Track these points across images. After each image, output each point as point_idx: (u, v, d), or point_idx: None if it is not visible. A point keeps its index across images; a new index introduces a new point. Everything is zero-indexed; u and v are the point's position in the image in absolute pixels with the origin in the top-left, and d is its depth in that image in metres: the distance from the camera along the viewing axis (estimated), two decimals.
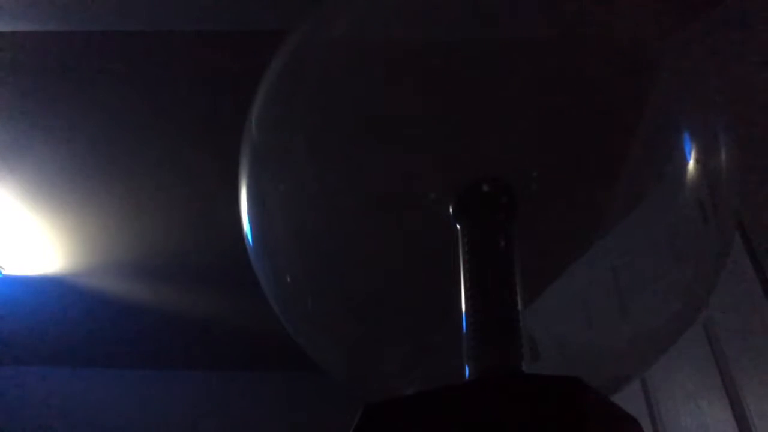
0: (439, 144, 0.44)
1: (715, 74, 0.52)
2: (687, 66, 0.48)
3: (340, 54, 0.48)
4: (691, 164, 0.44)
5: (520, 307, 0.36)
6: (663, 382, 1.06)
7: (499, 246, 0.38)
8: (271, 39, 0.49)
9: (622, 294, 0.45)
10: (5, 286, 2.05)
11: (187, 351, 2.39)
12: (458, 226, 0.39)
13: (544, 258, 0.44)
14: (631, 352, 0.45)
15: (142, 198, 1.75)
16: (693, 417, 0.98)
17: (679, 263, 0.45)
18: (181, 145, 1.60)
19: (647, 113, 0.44)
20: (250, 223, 0.49)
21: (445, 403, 0.30)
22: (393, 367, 0.49)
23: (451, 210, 0.40)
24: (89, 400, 2.40)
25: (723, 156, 0.45)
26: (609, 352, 0.45)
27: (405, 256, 0.46)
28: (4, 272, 2.01)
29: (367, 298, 0.48)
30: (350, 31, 0.49)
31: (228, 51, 1.37)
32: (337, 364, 0.52)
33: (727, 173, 0.45)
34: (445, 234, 0.39)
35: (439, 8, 0.46)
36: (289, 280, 0.50)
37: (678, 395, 1.02)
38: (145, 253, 1.95)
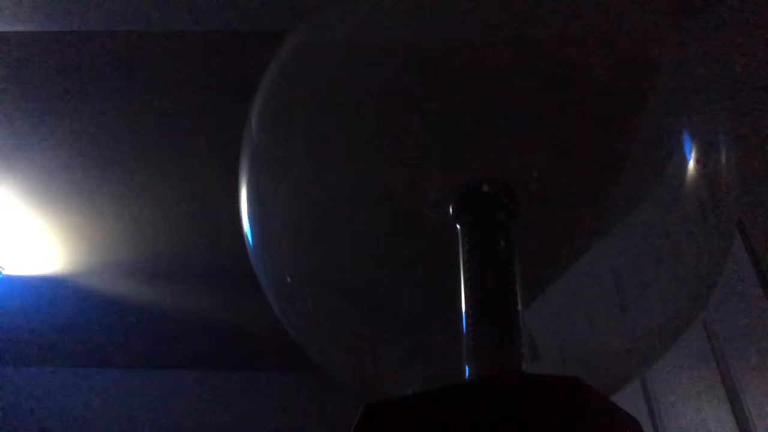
0: (439, 144, 0.44)
1: (715, 74, 0.52)
2: (687, 66, 0.48)
3: (339, 54, 0.48)
4: (691, 164, 0.44)
5: (520, 307, 0.36)
6: (663, 382, 1.06)
7: (499, 246, 0.38)
8: (271, 39, 0.50)
9: (622, 294, 0.45)
10: (5, 286, 2.05)
11: (187, 351, 2.39)
12: (458, 226, 0.39)
13: (545, 258, 0.44)
14: (631, 352, 0.45)
15: (142, 198, 1.76)
16: (693, 417, 0.98)
17: (679, 263, 0.45)
18: (181, 146, 1.60)
19: (647, 113, 0.44)
20: (250, 223, 0.49)
21: (445, 403, 0.30)
22: (393, 366, 0.49)
23: (451, 210, 0.40)
24: (89, 400, 2.40)
25: (723, 156, 0.45)
26: (609, 352, 0.45)
27: (405, 256, 0.46)
28: (4, 272, 2.01)
29: (367, 298, 0.48)
30: (350, 32, 0.49)
31: (229, 51, 1.37)
32: (337, 364, 0.52)
33: (727, 173, 0.45)
34: (445, 234, 0.39)
35: (439, 9, 0.46)
36: (289, 280, 0.50)
37: (678, 395, 1.02)
38: (145, 253, 1.95)
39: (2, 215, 1.80)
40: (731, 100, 0.91)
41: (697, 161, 0.44)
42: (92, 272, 2.02)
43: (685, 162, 0.44)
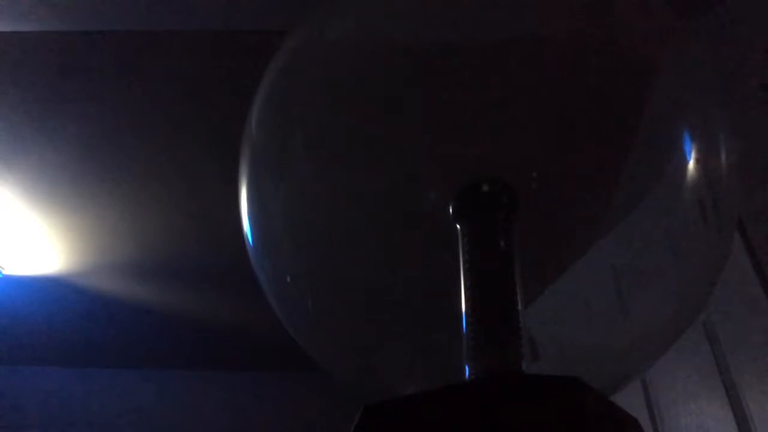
0: (439, 144, 0.44)
1: (715, 74, 0.52)
2: (687, 66, 0.48)
3: (339, 53, 0.48)
4: (691, 164, 0.44)
5: (520, 307, 0.36)
6: (663, 382, 1.06)
7: (499, 246, 0.38)
8: (271, 39, 0.50)
9: (622, 294, 0.45)
10: (5, 286, 2.05)
11: (187, 351, 2.39)
12: (458, 226, 0.39)
13: (544, 258, 0.44)
14: (631, 352, 0.45)
15: (142, 198, 1.76)
16: (693, 417, 0.98)
17: (678, 263, 0.45)
18: (181, 145, 1.60)
19: (647, 113, 0.44)
20: (250, 223, 0.49)
21: (445, 403, 0.30)
22: (393, 367, 0.49)
23: (451, 210, 0.40)
24: (89, 400, 2.40)
25: (723, 156, 0.45)
26: (609, 352, 0.45)
27: (405, 256, 0.46)
28: (4, 272, 2.01)
29: (367, 298, 0.48)
30: (350, 31, 0.49)
31: (228, 51, 1.37)
32: (338, 364, 0.52)
33: (727, 173, 0.45)
34: (445, 234, 0.39)
35: (439, 8, 0.46)
36: (289, 280, 0.50)
37: (678, 395, 1.02)
38: (145, 253, 1.95)
39: (2, 215, 1.80)
40: (731, 100, 0.91)
41: (697, 161, 0.44)
42: (92, 272, 2.02)
43: (685, 162, 0.44)
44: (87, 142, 1.59)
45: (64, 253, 1.95)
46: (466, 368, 0.35)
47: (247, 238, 0.50)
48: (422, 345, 0.47)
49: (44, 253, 1.95)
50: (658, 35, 0.48)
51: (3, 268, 2.00)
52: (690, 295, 0.46)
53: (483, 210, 0.40)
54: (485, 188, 0.40)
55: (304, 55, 0.50)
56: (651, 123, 0.44)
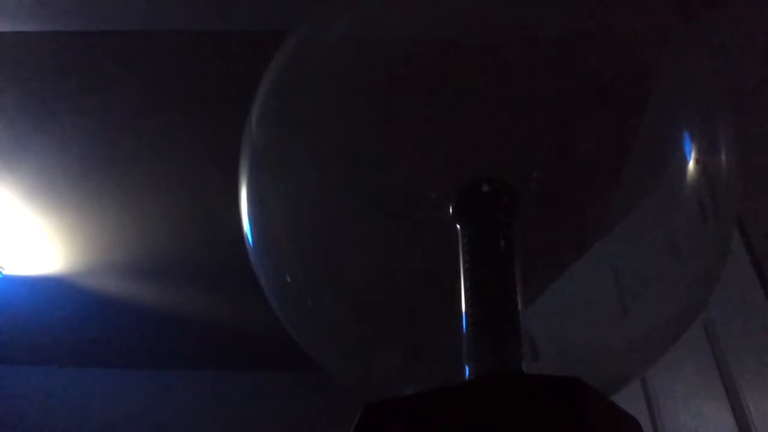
0: (439, 144, 0.44)
1: (714, 74, 0.52)
2: (687, 66, 0.48)
3: (339, 53, 0.48)
4: (691, 164, 0.44)
5: (520, 307, 0.36)
6: (663, 382, 1.06)
7: (499, 246, 0.38)
8: (271, 39, 0.50)
9: (622, 294, 0.45)
10: (5, 286, 2.05)
11: (187, 351, 2.39)
12: (458, 226, 0.39)
13: (544, 258, 0.44)
14: (631, 352, 0.45)
15: (143, 198, 1.76)
16: (693, 417, 0.98)
17: (679, 263, 0.45)
18: (182, 146, 1.60)
19: (647, 113, 0.44)
20: (250, 223, 0.49)
21: (445, 403, 0.30)
22: (393, 367, 0.49)
23: (451, 210, 0.40)
24: (89, 400, 2.40)
25: (723, 156, 0.45)
26: (609, 352, 0.45)
27: (405, 256, 0.46)
28: (4, 272, 2.01)
29: (367, 298, 0.48)
30: (350, 31, 0.49)
31: (228, 51, 1.38)
32: (337, 364, 0.52)
33: (727, 173, 0.45)
34: (445, 234, 0.39)
35: (439, 9, 0.46)
36: (289, 280, 0.50)
37: (678, 395, 1.02)
38: (145, 253, 1.95)
39: (2, 215, 1.80)
40: (731, 100, 0.91)
41: (697, 161, 0.44)
42: (92, 272, 2.02)
43: (685, 162, 0.44)
44: (87, 142, 1.59)
45: (64, 253, 1.95)
46: (466, 368, 0.35)
47: (247, 238, 0.50)
48: (422, 345, 0.47)
49: (44, 253, 1.95)
50: (658, 35, 0.48)
51: (3, 268, 2.00)
52: (690, 295, 0.46)
53: (483, 210, 0.40)
54: (485, 188, 0.40)
55: (304, 55, 0.50)
56: (651, 123, 0.44)
